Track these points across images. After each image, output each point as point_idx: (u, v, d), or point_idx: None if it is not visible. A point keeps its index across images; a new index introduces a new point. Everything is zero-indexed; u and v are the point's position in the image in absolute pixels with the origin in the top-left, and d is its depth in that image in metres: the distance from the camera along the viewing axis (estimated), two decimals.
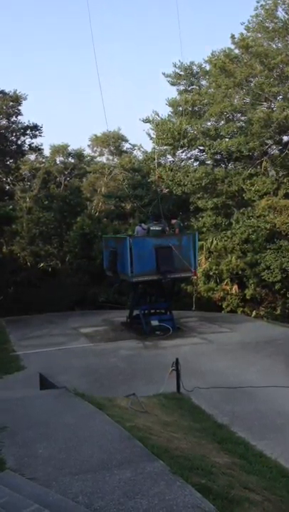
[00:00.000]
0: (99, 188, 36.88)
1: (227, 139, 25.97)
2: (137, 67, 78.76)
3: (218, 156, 27.41)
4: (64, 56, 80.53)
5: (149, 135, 29.52)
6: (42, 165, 36.73)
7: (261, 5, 24.90)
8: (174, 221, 17.84)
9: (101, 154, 42.57)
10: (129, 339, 15.57)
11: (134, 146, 37.76)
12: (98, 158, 42.51)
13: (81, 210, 30.17)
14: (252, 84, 25.17)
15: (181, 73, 28.96)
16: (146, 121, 28.63)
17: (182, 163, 28.87)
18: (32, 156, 34.56)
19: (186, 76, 29.03)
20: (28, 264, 29.64)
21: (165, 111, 59.04)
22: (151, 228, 16.77)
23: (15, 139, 25.44)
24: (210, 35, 71.19)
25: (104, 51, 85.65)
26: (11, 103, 24.31)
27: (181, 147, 27.72)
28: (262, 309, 24.83)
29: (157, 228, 16.68)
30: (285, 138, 26.17)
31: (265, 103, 25.26)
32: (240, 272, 24.76)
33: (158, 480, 4.90)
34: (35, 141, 25.88)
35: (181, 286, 24.08)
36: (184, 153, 28.90)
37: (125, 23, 75.87)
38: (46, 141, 36.27)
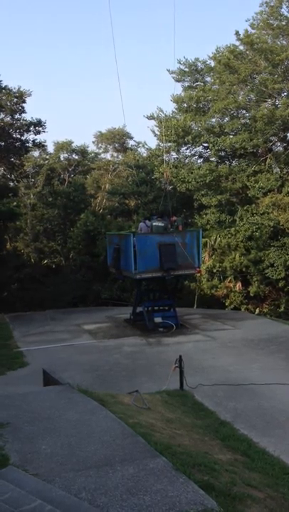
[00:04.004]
0: (103, 184, 36.85)
1: (231, 136, 25.90)
2: (140, 64, 78.54)
3: (222, 153, 27.36)
4: (67, 53, 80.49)
5: (153, 132, 29.52)
6: (46, 161, 36.73)
7: (266, 2, 24.85)
8: (173, 218, 17.85)
9: (105, 151, 42.52)
10: (133, 336, 15.59)
11: (138, 143, 37.72)
12: (102, 155, 42.48)
13: (85, 206, 30.17)
14: (256, 81, 25.08)
15: (186, 70, 28.87)
16: (151, 117, 28.59)
17: (186, 160, 28.83)
18: (36, 153, 34.54)
19: (190, 72, 28.95)
20: (32, 260, 29.72)
21: (169, 108, 59.00)
22: (154, 224, 16.81)
23: (19, 136, 25.42)
24: (213, 33, 70.98)
25: (105, 49, 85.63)
26: (15, 99, 24.27)
27: (185, 144, 27.68)
28: (265, 306, 24.84)
29: (160, 224, 16.72)
30: None
31: (269, 100, 25.18)
32: (243, 269, 24.75)
33: (161, 476, 4.91)
34: (39, 138, 25.87)
35: (185, 283, 24.10)
36: (188, 150, 28.89)
37: (126, 20, 75.63)
38: (50, 138, 36.33)
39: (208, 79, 29.13)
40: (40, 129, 25.43)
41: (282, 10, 24.66)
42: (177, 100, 28.43)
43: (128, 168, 33.11)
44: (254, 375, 10.83)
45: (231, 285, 24.96)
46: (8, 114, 24.71)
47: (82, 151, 40.02)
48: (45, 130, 25.59)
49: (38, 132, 25.52)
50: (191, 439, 6.73)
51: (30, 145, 25.76)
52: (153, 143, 51.52)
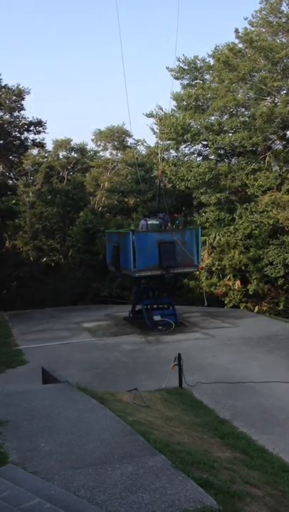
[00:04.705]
0: (102, 182, 36.81)
1: (230, 134, 25.87)
2: (140, 62, 78.42)
3: (222, 151, 27.33)
4: (66, 52, 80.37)
5: (152, 130, 29.49)
6: (45, 159, 36.69)
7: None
8: (176, 215, 17.85)
9: (105, 149, 42.43)
10: (132, 334, 15.60)
11: (137, 141, 37.62)
12: (102, 153, 42.39)
13: (84, 204, 30.16)
14: (255, 79, 25.03)
15: (185, 67, 28.81)
16: (150, 115, 28.54)
17: (185, 158, 28.79)
18: (35, 151, 34.49)
19: (189, 70, 28.88)
20: (31, 258, 29.73)
21: (169, 106, 58.83)
22: (149, 222, 16.85)
23: (18, 134, 25.39)
24: (212, 32, 70.89)
25: (105, 48, 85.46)
26: (14, 97, 24.24)
27: (185, 142, 27.64)
28: (264, 305, 24.83)
29: (155, 222, 16.73)
30: None
31: (268, 98, 25.14)
32: (243, 268, 24.75)
33: (160, 474, 4.91)
34: (38, 137, 25.86)
35: (184, 281, 24.09)
36: (187, 148, 28.85)
37: (126, 19, 75.49)
38: (49, 136, 36.20)
39: (207, 77, 29.08)
40: (41, 129, 25.42)
41: (282, 7, 24.60)
42: (176, 98, 28.39)
43: (127, 167, 33.08)
44: (253, 373, 10.83)
45: (230, 283, 24.97)
46: (7, 112, 24.67)
47: (82, 149, 39.95)
48: (46, 131, 25.62)
49: (38, 132, 25.51)
50: (190, 437, 6.73)
51: (29, 144, 25.75)
52: (152, 141, 51.50)
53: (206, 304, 20.54)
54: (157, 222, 16.73)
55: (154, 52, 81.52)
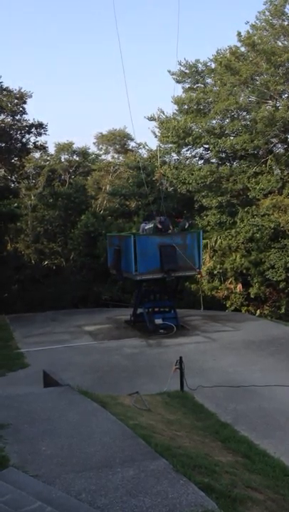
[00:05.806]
0: (104, 185, 36.85)
1: (232, 137, 25.89)
2: (141, 64, 78.52)
3: (223, 155, 27.34)
4: (67, 53, 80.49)
5: (154, 133, 29.49)
6: (46, 163, 36.77)
7: (270, 0, 24.77)
8: (178, 220, 17.86)
9: (106, 152, 42.55)
10: (133, 337, 15.59)
11: (139, 144, 37.68)
12: (103, 156, 42.52)
13: (86, 207, 30.18)
14: (257, 82, 25.07)
15: (187, 71, 28.84)
16: (151, 119, 28.57)
17: (187, 162, 28.81)
18: (36, 154, 34.56)
19: (191, 74, 28.90)
20: (33, 261, 29.73)
21: (170, 109, 58.93)
22: (146, 228, 16.91)
23: (20, 137, 25.42)
24: (214, 34, 71.05)
25: (106, 49, 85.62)
26: (16, 101, 24.29)
27: (186, 145, 27.67)
28: (266, 308, 24.81)
29: (150, 225, 16.77)
30: None
31: (270, 101, 25.18)
32: (244, 271, 24.74)
33: (161, 478, 4.90)
34: (40, 139, 25.89)
35: (185, 284, 24.07)
36: (188, 152, 28.87)
37: (126, 20, 75.58)
38: (51, 139, 36.23)
39: (208, 80, 29.09)
40: (42, 131, 25.45)
41: (286, 9, 24.61)
42: (178, 101, 28.40)
43: (129, 170, 33.11)
44: (254, 376, 10.82)
45: (232, 286, 24.96)
46: (9, 115, 24.72)
47: (83, 153, 40.04)
48: (47, 133, 25.65)
49: (39, 134, 25.54)
50: (191, 441, 6.72)
51: (31, 146, 25.78)
52: (154, 144, 51.58)
53: (202, 309, 20.47)
54: (152, 225, 16.77)
55: (156, 54, 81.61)
